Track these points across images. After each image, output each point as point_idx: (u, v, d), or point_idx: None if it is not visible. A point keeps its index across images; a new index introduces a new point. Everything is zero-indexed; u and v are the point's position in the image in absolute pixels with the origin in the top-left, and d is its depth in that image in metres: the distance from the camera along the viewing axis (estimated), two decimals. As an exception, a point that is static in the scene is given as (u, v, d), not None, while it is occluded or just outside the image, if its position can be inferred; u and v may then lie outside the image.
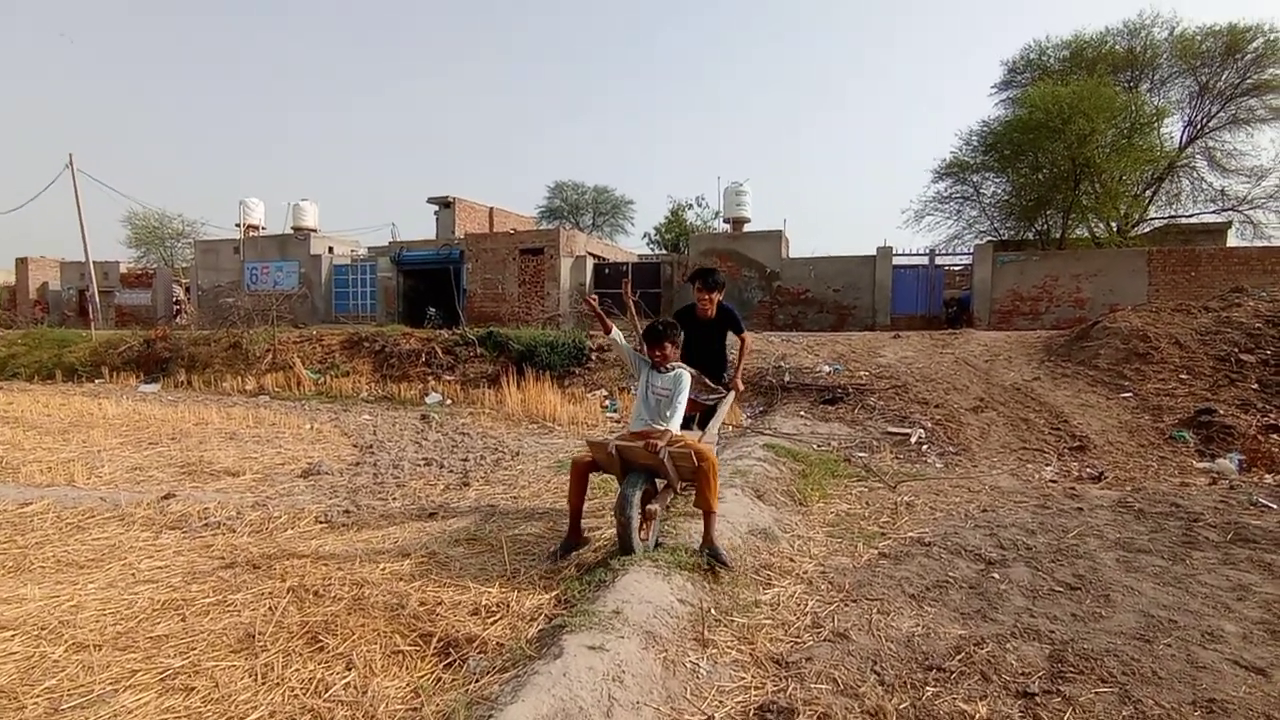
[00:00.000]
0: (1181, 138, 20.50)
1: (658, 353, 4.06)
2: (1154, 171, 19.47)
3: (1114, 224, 19.36)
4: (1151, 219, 20.78)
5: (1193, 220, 20.56)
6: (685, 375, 4.14)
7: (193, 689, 2.59)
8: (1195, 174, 20.52)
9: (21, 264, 28.95)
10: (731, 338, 5.27)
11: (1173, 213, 20.80)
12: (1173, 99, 20.62)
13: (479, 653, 2.80)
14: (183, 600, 3.42)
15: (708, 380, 4.86)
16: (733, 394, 5.00)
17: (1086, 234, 19.56)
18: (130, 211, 39.46)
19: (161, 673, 2.70)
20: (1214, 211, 20.56)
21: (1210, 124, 20.32)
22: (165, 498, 5.39)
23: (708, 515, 3.78)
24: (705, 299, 4.81)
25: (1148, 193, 20.08)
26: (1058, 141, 17.43)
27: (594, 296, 4.12)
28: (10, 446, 7.57)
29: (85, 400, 12.00)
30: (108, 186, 74.26)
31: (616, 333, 4.21)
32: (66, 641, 2.95)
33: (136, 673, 2.70)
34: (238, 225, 25.42)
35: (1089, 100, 16.91)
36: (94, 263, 24.12)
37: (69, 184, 22.14)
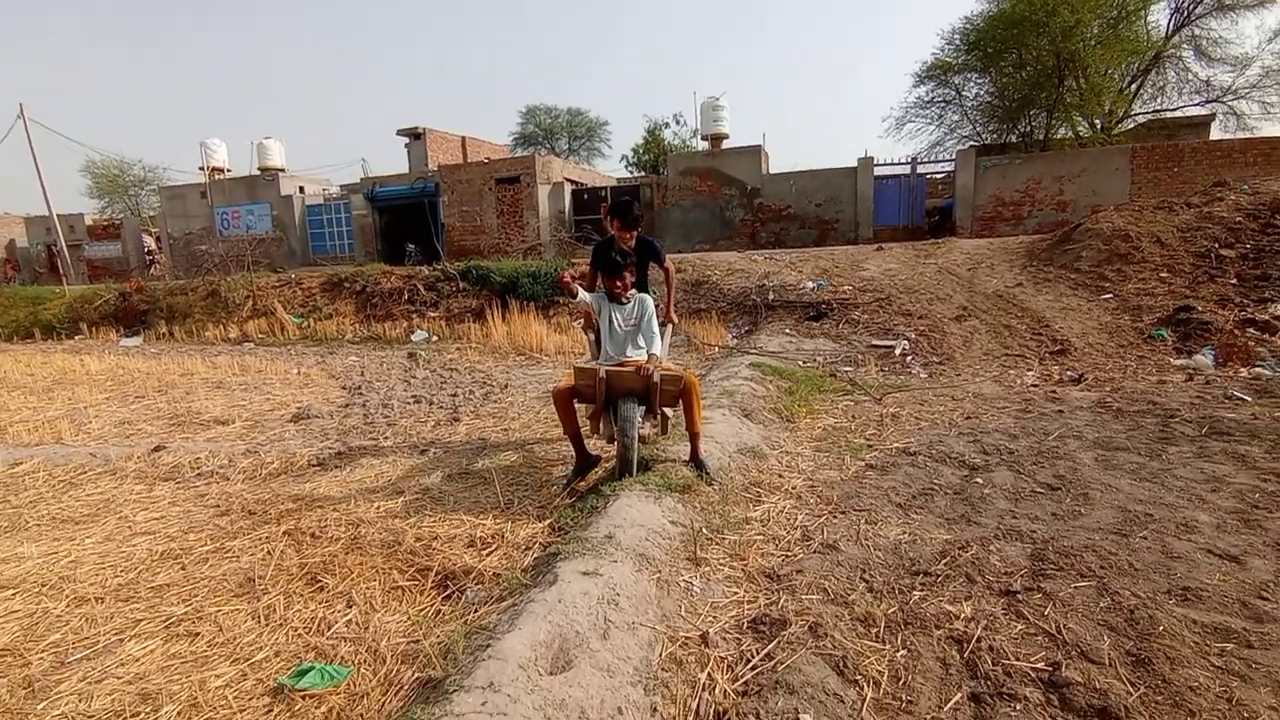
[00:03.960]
0: (1168, 26, 19.73)
1: (618, 283, 4.02)
2: (1140, 63, 18.85)
3: (1098, 121, 18.92)
4: (1135, 114, 20.26)
5: (1176, 114, 20.04)
6: (647, 298, 4.15)
7: (197, 634, 2.64)
8: (1181, 64, 19.86)
9: (-18, 221, 27.91)
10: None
11: (1157, 107, 20.25)
12: None
13: (476, 584, 2.86)
14: (181, 549, 3.45)
15: None
16: (669, 327, 4.81)
17: (1070, 134, 19.14)
18: (88, 160, 37.77)
19: (165, 620, 2.75)
20: (1198, 104, 20.05)
21: (1196, 10, 19.52)
22: (156, 450, 5.38)
23: (694, 437, 3.87)
24: (625, 236, 4.54)
25: (1133, 86, 19.50)
26: (1042, 36, 16.79)
27: (568, 275, 3.96)
28: (-6, 408, 7.49)
29: (66, 357, 11.82)
30: (63, 135, 70.62)
31: (583, 294, 4.06)
32: (68, 596, 2.99)
33: (140, 622, 2.75)
34: (201, 169, 24.42)
35: None
36: (58, 216, 23.29)
37: (24, 137, 21.05)
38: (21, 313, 17.62)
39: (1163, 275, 9.00)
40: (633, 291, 4.12)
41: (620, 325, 4.08)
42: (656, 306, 4.30)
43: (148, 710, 2.18)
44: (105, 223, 28.02)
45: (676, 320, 5.00)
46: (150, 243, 26.31)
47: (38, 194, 22.49)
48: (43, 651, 2.57)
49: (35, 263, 26.78)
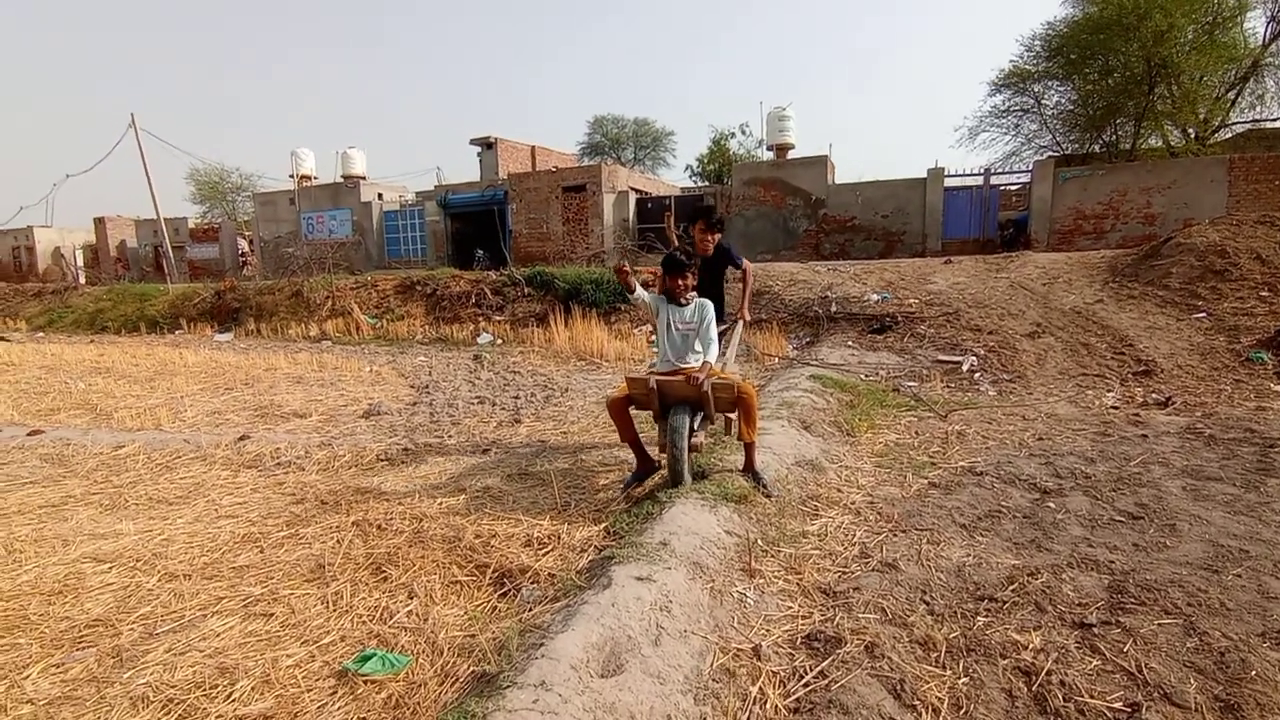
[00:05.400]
0: (1265, 33, 18.28)
1: (680, 282, 3.95)
2: (1237, 71, 17.53)
3: (1191, 131, 17.70)
4: (1232, 124, 18.84)
5: (1278, 124, 18.54)
6: (708, 303, 4.08)
7: (272, 614, 2.80)
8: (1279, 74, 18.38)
9: (100, 223, 30.42)
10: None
11: (1256, 116, 18.77)
12: None
13: (531, 583, 2.92)
14: (260, 534, 3.66)
15: None
16: (741, 323, 5.00)
17: (1159, 144, 17.98)
18: (192, 168, 40.67)
19: (244, 600, 2.93)
20: None
21: None
22: (241, 439, 5.73)
23: (748, 447, 3.83)
24: (706, 239, 4.73)
25: (1230, 95, 18.14)
26: (1132, 41, 15.86)
27: (625, 265, 4.03)
28: (104, 395, 8.15)
29: (167, 350, 12.76)
30: (169, 144, 76.48)
31: (640, 291, 4.06)
32: (159, 572, 3.22)
33: (222, 600, 2.94)
34: (291, 176, 25.91)
35: None
36: (164, 219, 25.15)
37: (134, 144, 22.87)
38: (130, 308, 19.12)
39: (1263, 294, 8.33)
40: (693, 294, 4.06)
41: (677, 328, 4.04)
42: (727, 312, 4.30)
43: (225, 683, 2.33)
44: (206, 226, 30.09)
45: (749, 319, 5.07)
46: (244, 245, 28.07)
47: (147, 198, 24.37)
48: (133, 623, 2.78)
49: (143, 262, 29.01)
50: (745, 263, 4.99)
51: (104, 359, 11.79)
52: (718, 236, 4.78)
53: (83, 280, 28.71)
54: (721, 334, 4.85)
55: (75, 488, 4.62)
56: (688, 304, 4.04)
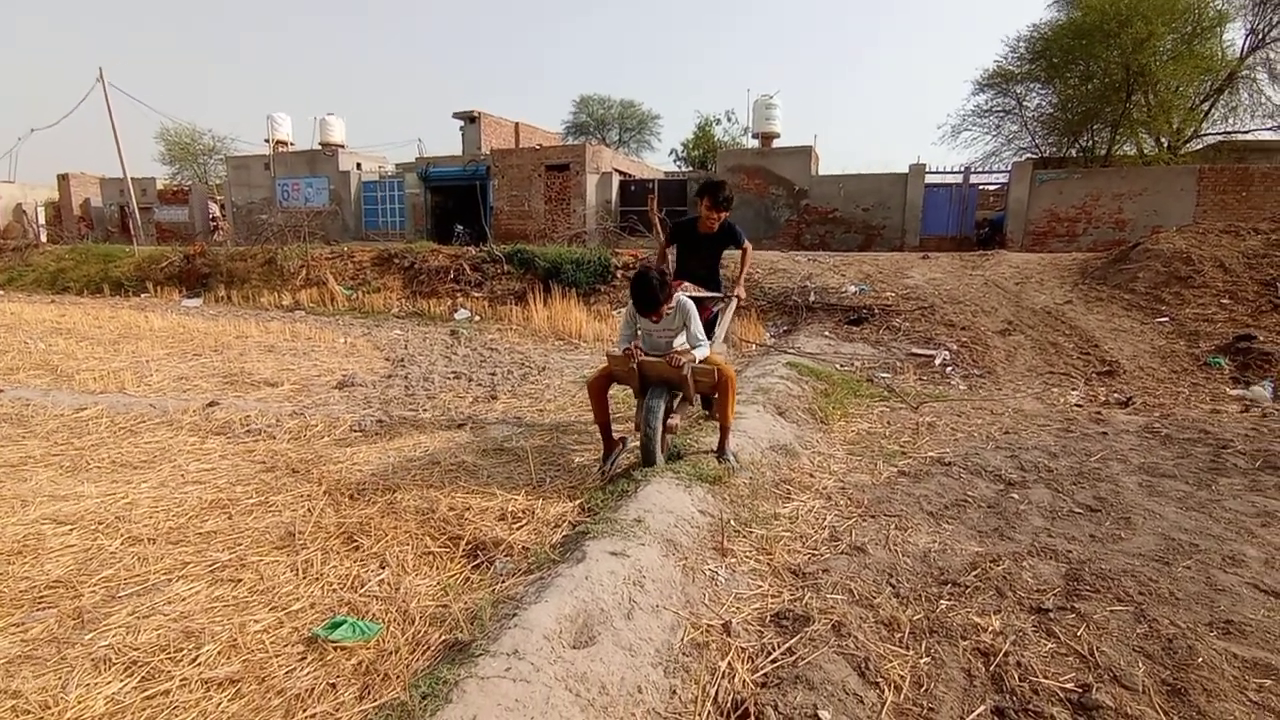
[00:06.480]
0: (1243, 47, 18.72)
1: (654, 317, 3.77)
2: (1213, 82, 17.96)
3: (1164, 140, 18.11)
4: (1205, 134, 19.33)
5: (1248, 137, 19.05)
6: (688, 302, 3.92)
7: (239, 580, 2.77)
8: (1255, 87, 18.85)
9: (64, 180, 29.29)
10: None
11: (1228, 129, 19.26)
12: (1235, 3, 18.76)
13: (505, 556, 2.92)
14: (228, 500, 3.61)
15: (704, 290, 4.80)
16: (735, 301, 4.96)
17: (1134, 151, 18.37)
18: (162, 127, 39.37)
19: (211, 565, 2.89)
20: (1271, 128, 19.01)
21: (1272, 33, 18.48)
22: (210, 405, 5.62)
23: (724, 430, 3.86)
24: (712, 216, 4.60)
25: (1204, 106, 18.59)
26: (1112, 47, 16.14)
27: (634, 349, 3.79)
28: (65, 356, 7.92)
29: (132, 313, 12.41)
30: (139, 101, 73.63)
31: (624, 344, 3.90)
32: (122, 535, 3.16)
33: (188, 564, 2.89)
34: (266, 141, 25.18)
35: (1149, 1, 15.46)
36: (132, 179, 24.29)
37: (102, 99, 22.02)
38: (94, 269, 18.53)
39: (1224, 301, 8.60)
40: (673, 302, 3.84)
41: (657, 335, 3.92)
42: (723, 288, 4.23)
43: (190, 647, 2.30)
44: (175, 188, 29.17)
45: (744, 296, 5.07)
46: (215, 209, 27.30)
47: (114, 156, 23.54)
48: (95, 585, 2.73)
49: (108, 222, 28.07)
50: (746, 241, 4.94)
51: (65, 320, 11.44)
52: (724, 215, 4.68)
53: (44, 238, 27.67)
54: (717, 310, 4.86)
55: (35, 448, 4.49)
56: (668, 314, 3.85)
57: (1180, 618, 2.51)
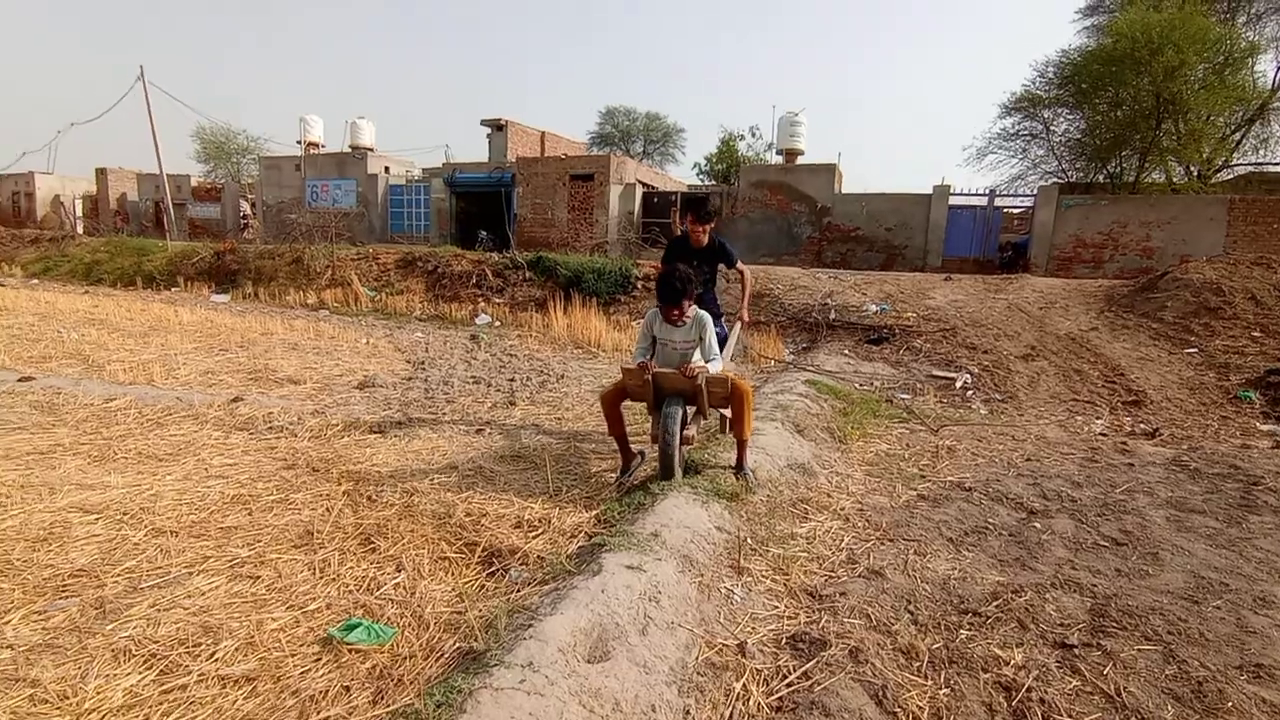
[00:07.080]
0: (1275, 78, 18.41)
1: (675, 312, 3.77)
2: (1245, 113, 17.67)
3: (1194, 169, 17.83)
4: (1235, 165, 19.01)
5: (1279, 169, 18.71)
6: (706, 315, 3.91)
7: (258, 577, 2.79)
8: None
9: (101, 174, 30.07)
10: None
11: (1259, 160, 18.91)
12: (1267, 35, 18.48)
13: (520, 564, 2.92)
14: (249, 496, 3.65)
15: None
16: (739, 325, 5.07)
17: (1162, 179, 18.13)
18: (198, 126, 40.32)
19: (230, 560, 2.92)
20: None
21: None
22: (234, 400, 5.70)
23: (741, 444, 3.84)
24: (698, 230, 4.80)
25: (1235, 136, 18.27)
26: (1143, 75, 15.96)
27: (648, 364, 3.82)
28: (97, 346, 8.09)
29: (163, 307, 12.65)
30: (177, 100, 75.68)
31: (640, 357, 3.94)
32: (146, 527, 3.20)
33: (208, 559, 2.92)
34: (298, 142, 25.71)
35: (1181, 30, 15.30)
36: (167, 175, 24.90)
37: (142, 97, 22.63)
38: (128, 261, 18.95)
39: (1255, 334, 8.42)
40: (691, 311, 3.85)
41: (673, 345, 3.91)
42: (724, 312, 4.29)
43: (209, 642, 2.32)
44: (209, 186, 29.83)
45: (749, 320, 5.13)
46: (246, 208, 27.84)
47: (151, 153, 24.12)
48: (118, 576, 2.76)
49: (143, 217, 28.73)
50: (742, 266, 5.00)
51: (98, 310, 11.68)
52: (709, 228, 4.81)
53: (80, 230, 28.40)
54: (723, 335, 4.87)
55: (64, 437, 4.58)
56: (686, 323, 3.86)
57: (1210, 660, 2.44)
